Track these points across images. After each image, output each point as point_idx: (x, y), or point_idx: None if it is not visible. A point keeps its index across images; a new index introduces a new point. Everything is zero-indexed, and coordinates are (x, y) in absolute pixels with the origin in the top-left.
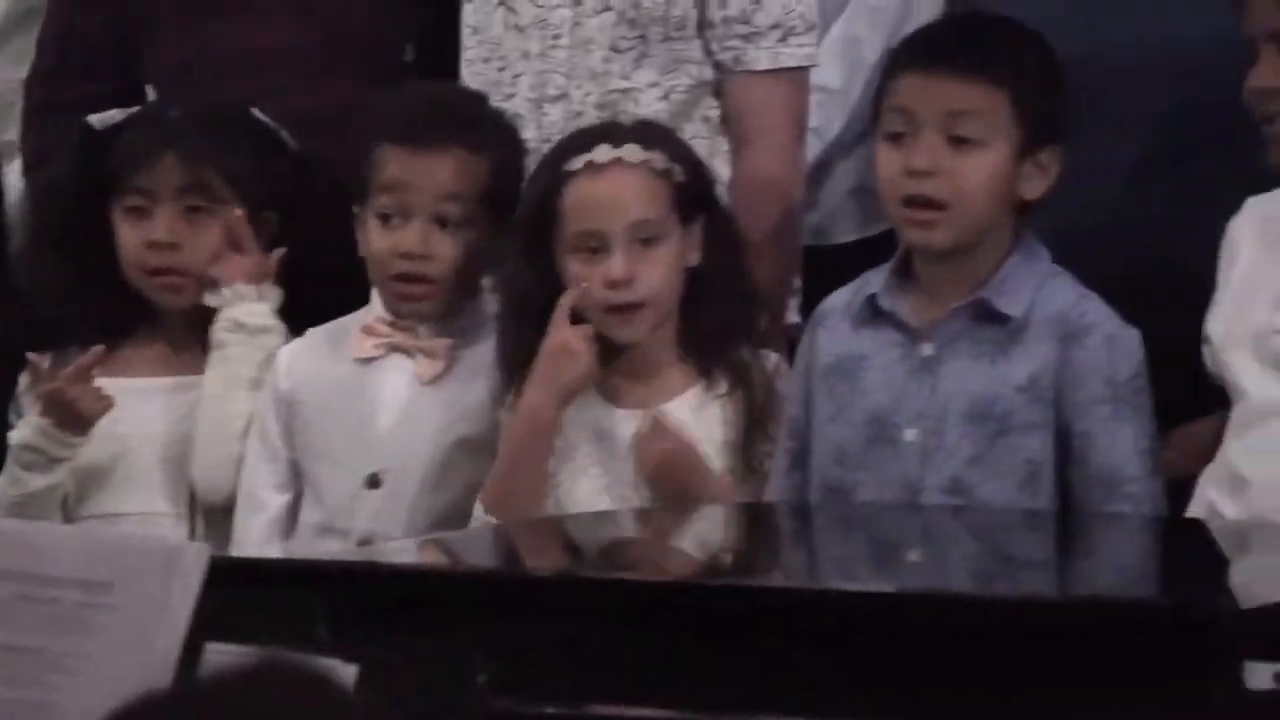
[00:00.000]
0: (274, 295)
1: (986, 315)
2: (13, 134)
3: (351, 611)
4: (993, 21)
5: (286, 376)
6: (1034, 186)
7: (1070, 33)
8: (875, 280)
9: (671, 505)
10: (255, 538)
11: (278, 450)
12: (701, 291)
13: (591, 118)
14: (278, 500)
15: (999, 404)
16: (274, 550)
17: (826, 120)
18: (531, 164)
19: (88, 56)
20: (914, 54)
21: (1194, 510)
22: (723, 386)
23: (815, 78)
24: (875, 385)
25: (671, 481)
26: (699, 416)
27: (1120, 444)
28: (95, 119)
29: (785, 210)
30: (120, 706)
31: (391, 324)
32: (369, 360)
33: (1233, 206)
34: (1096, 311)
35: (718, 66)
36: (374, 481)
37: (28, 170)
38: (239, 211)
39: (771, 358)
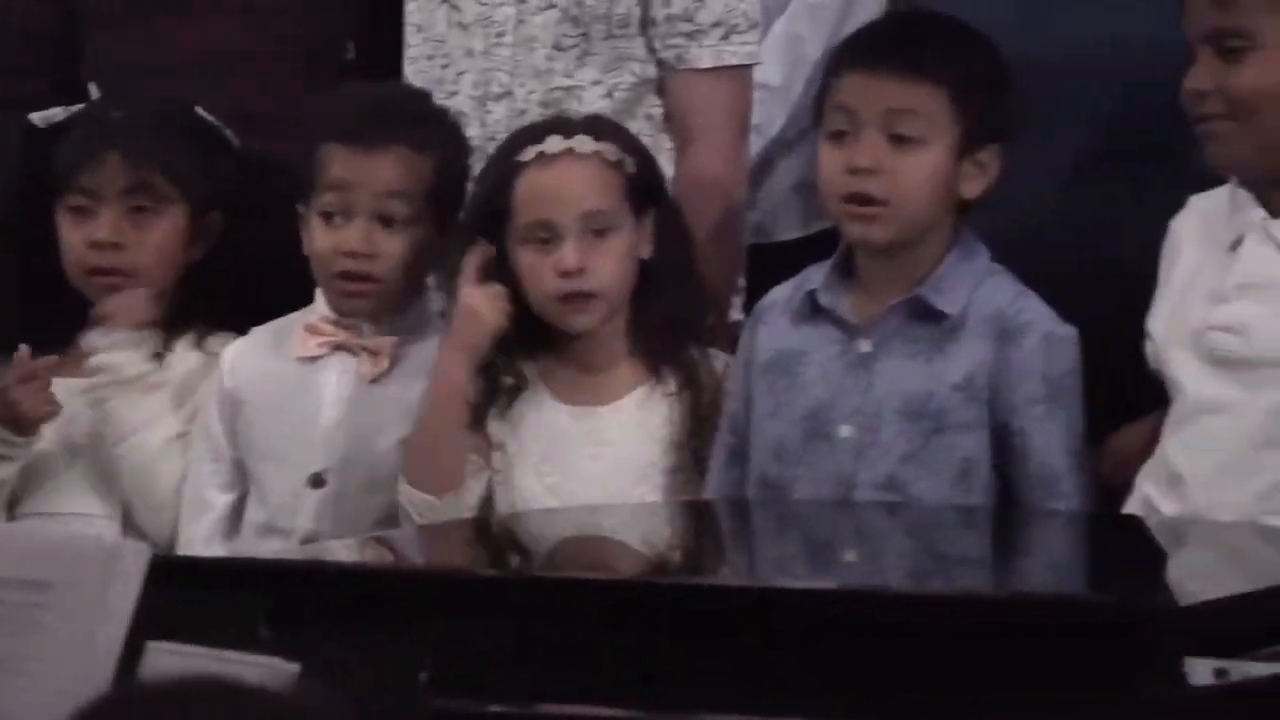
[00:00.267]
0: (152, 341)
1: (923, 313)
2: None
3: (293, 610)
4: (936, 20)
5: (230, 375)
6: (974, 185)
7: (1014, 32)
8: (816, 276)
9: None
10: (200, 538)
11: (221, 450)
12: (652, 284)
13: (535, 115)
14: (222, 500)
15: (934, 402)
16: (218, 550)
17: (768, 118)
18: (475, 162)
19: (30, 54)
20: (857, 52)
21: (1131, 506)
22: (671, 385)
23: (757, 75)
24: (813, 381)
25: None
26: (647, 414)
27: (1054, 442)
28: (38, 117)
29: (728, 208)
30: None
31: (335, 322)
32: (312, 359)
33: (1173, 206)
34: (1033, 310)
35: (661, 64)
36: (317, 481)
37: None
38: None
39: (721, 358)
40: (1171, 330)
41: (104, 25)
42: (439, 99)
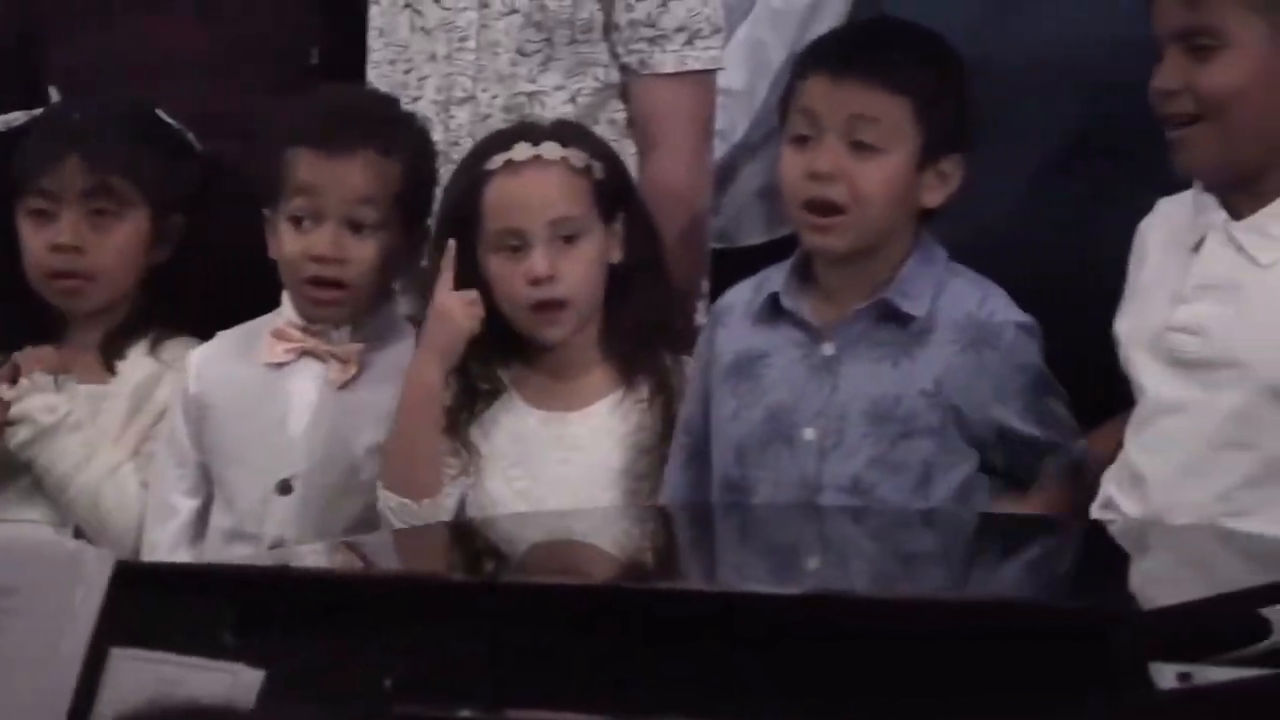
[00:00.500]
0: (73, 391)
1: (889, 316)
2: None
3: (257, 616)
4: (902, 29)
5: (196, 380)
6: (935, 195)
7: (979, 33)
8: (776, 278)
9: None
10: (165, 543)
11: (186, 454)
12: (623, 289)
13: (498, 120)
14: (187, 505)
15: (902, 406)
16: (183, 555)
17: (731, 123)
18: (438, 166)
19: None
20: (822, 58)
21: (1096, 507)
22: (644, 391)
23: (720, 80)
24: (775, 383)
25: None
26: (618, 420)
27: (1046, 422)
28: None
29: (691, 214)
30: None
31: (302, 328)
32: (280, 365)
33: (1137, 207)
34: (1001, 308)
35: (624, 69)
36: (285, 487)
37: None
38: None
39: (691, 364)
40: (1135, 331)
41: (65, 28)
42: (401, 104)
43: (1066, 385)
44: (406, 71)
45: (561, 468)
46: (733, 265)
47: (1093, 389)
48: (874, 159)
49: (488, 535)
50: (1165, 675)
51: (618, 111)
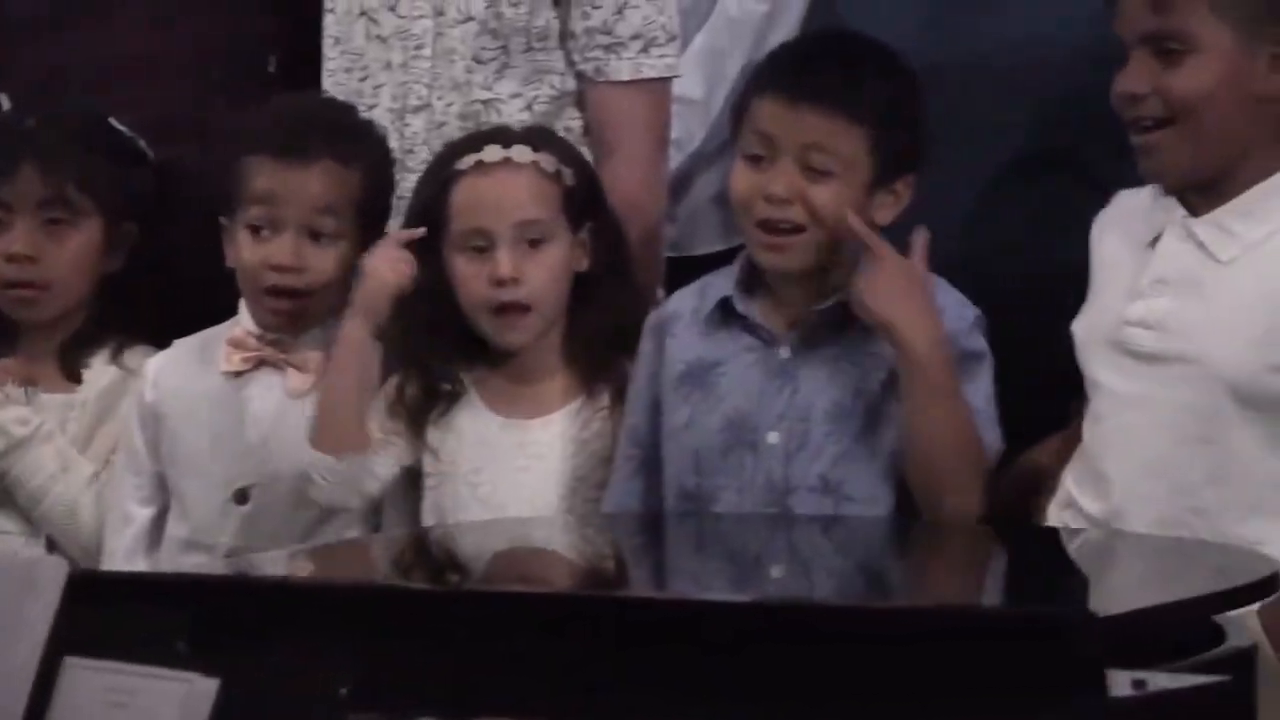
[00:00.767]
0: (41, 402)
1: (846, 316)
2: None
3: (212, 625)
4: (859, 47)
5: (153, 388)
6: (887, 213)
7: (932, 43)
8: (720, 284)
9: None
10: (121, 551)
11: (143, 463)
12: (588, 298)
13: (454, 128)
14: (143, 513)
15: (862, 400)
16: (140, 564)
17: (688, 131)
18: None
19: None
20: (778, 77)
21: (1055, 505)
22: (604, 400)
23: (677, 88)
24: (731, 390)
25: None
26: (578, 428)
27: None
28: None
29: (647, 222)
30: None
31: (260, 337)
32: (237, 374)
33: (1091, 220)
34: (953, 303)
35: (580, 77)
36: (242, 497)
37: None
38: None
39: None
40: (1091, 327)
41: (19, 36)
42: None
43: (1020, 396)
44: (362, 79)
45: (521, 475)
46: (687, 274)
47: (1045, 400)
48: (828, 182)
49: (441, 544)
50: (1120, 681)
51: (574, 119)
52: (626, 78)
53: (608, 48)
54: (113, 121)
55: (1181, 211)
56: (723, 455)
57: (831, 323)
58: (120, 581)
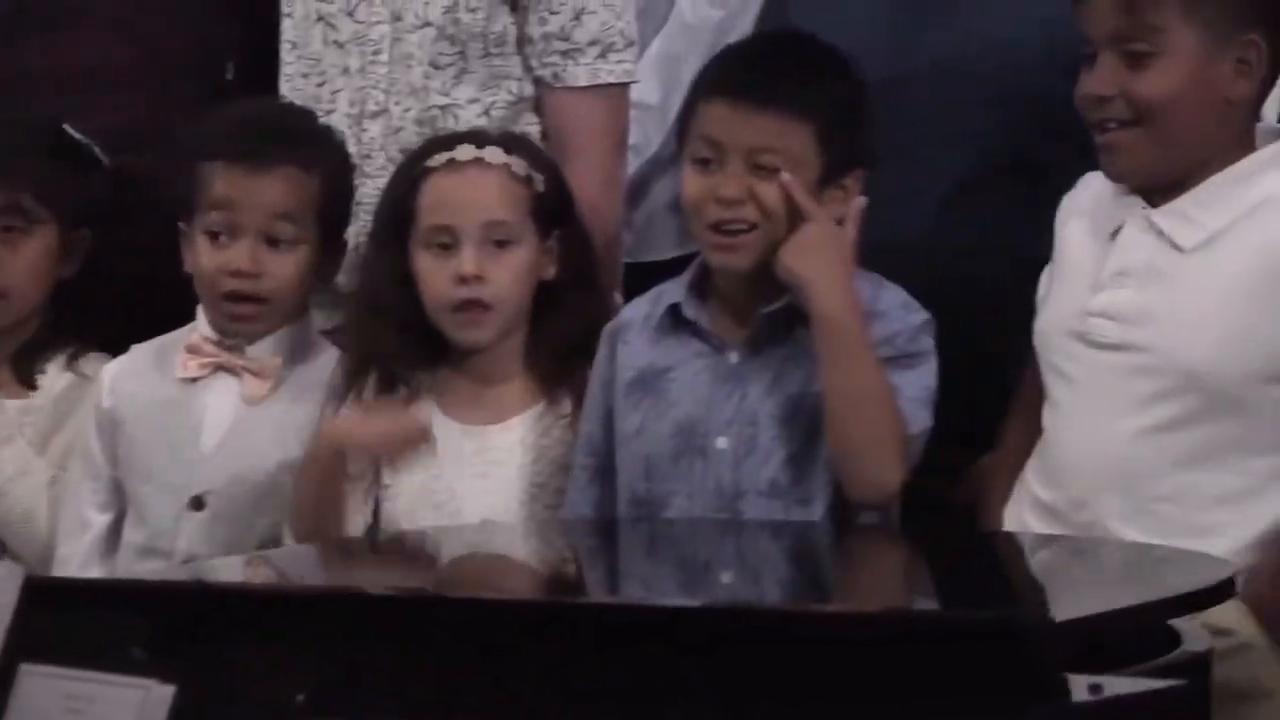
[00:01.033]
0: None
1: (794, 318)
2: None
3: (169, 631)
4: (801, 47)
5: (110, 394)
6: (836, 208)
7: (889, 46)
8: (673, 291)
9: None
10: (77, 557)
11: (99, 469)
12: (553, 305)
13: (411, 133)
14: (100, 519)
15: (808, 400)
16: (96, 570)
17: (645, 137)
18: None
19: None
20: (722, 80)
21: (1016, 498)
22: (565, 406)
23: (634, 94)
24: (681, 397)
25: None
26: (540, 435)
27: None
28: None
29: (605, 227)
30: None
31: (217, 343)
32: (194, 380)
33: (1050, 222)
34: (889, 299)
35: (537, 82)
36: (198, 503)
37: None
38: None
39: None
40: (1053, 319)
41: None
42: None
43: (982, 397)
44: (319, 85)
45: (480, 481)
46: (644, 279)
47: (1007, 401)
48: (777, 181)
49: (398, 549)
50: (1077, 686)
51: (532, 125)
52: (584, 83)
53: (565, 53)
54: (67, 128)
55: (1141, 203)
56: (673, 461)
57: (780, 324)
58: (76, 588)
